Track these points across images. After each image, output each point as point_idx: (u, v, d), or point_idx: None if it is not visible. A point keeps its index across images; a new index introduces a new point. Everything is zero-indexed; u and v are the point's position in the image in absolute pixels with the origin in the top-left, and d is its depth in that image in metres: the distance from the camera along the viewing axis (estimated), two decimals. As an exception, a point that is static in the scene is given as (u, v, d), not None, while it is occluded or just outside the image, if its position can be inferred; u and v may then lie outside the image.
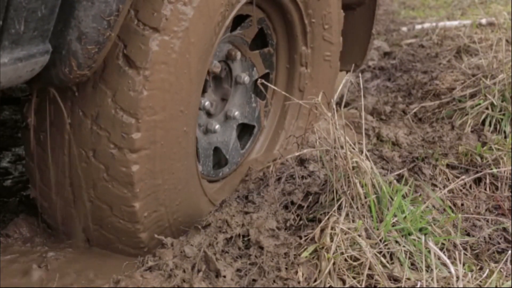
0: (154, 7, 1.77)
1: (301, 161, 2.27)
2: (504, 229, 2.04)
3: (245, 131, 2.56)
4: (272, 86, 2.23)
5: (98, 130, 1.83)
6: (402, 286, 1.67)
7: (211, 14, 1.91)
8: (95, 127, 1.84)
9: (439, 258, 1.72)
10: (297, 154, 2.17)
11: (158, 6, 1.77)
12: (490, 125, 2.80)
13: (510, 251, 1.89)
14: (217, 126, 2.29)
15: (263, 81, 2.11)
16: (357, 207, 1.83)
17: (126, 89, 1.78)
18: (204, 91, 2.22)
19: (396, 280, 1.69)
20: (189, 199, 2.06)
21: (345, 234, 1.74)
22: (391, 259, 1.75)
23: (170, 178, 1.95)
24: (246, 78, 2.37)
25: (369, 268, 1.69)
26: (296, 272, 1.69)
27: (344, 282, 1.69)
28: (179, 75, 1.85)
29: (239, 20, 2.26)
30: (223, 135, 2.40)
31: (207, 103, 2.23)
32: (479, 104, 2.87)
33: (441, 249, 1.82)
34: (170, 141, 1.90)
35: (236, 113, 2.39)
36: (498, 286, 1.70)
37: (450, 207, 2.08)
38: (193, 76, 1.91)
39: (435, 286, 1.63)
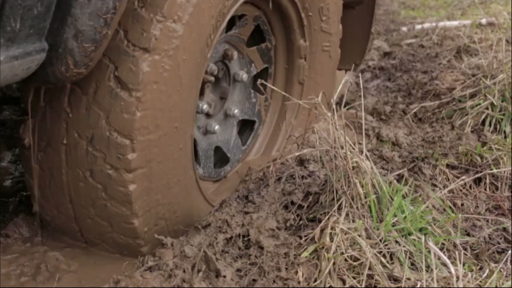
0: (143, 27, 1.76)
1: (301, 161, 2.26)
2: (504, 229, 2.04)
3: (246, 126, 2.55)
4: (271, 86, 2.23)
5: (94, 151, 1.84)
6: (402, 286, 1.66)
7: (202, 28, 1.90)
8: (91, 149, 1.84)
9: (439, 258, 1.71)
10: (297, 154, 2.17)
11: (147, 26, 1.76)
12: (490, 125, 2.80)
13: (510, 251, 1.89)
14: (216, 127, 2.29)
15: (262, 81, 2.11)
16: (357, 207, 1.83)
17: (119, 111, 1.78)
18: (201, 93, 2.22)
19: (396, 280, 1.69)
20: (189, 209, 2.07)
21: (345, 234, 1.74)
22: (391, 259, 1.75)
23: (169, 192, 1.96)
24: (244, 76, 2.37)
25: (369, 268, 1.69)
26: (296, 272, 1.69)
27: (344, 282, 1.68)
28: (171, 92, 1.85)
29: (234, 20, 2.25)
30: (224, 133, 2.40)
31: (205, 106, 2.22)
32: (479, 104, 2.87)
33: (441, 249, 1.82)
34: (166, 157, 1.91)
35: (236, 111, 2.39)
36: (498, 286, 1.70)
37: (450, 207, 2.08)
38: (186, 91, 1.91)
39: (435, 286, 1.63)
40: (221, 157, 2.43)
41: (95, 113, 1.81)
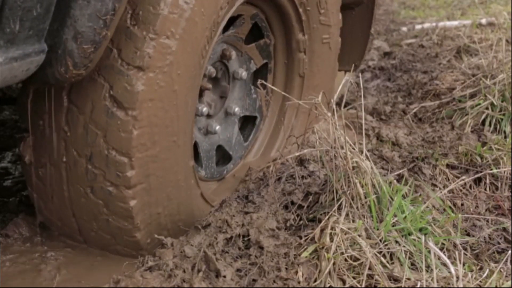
0: (136, 45, 1.75)
1: (301, 161, 2.26)
2: (504, 229, 2.04)
3: (248, 121, 2.54)
4: (271, 86, 2.22)
5: (93, 169, 1.85)
6: (402, 286, 1.66)
7: (196, 41, 1.88)
8: (90, 166, 1.85)
9: (439, 258, 1.71)
10: (297, 154, 2.17)
11: (140, 44, 1.75)
12: (490, 125, 2.80)
13: (510, 251, 1.89)
14: (217, 127, 2.29)
15: (262, 81, 2.11)
16: (357, 207, 1.83)
17: (116, 130, 1.79)
18: (201, 94, 2.22)
19: (396, 280, 1.69)
20: (192, 215, 2.07)
21: (345, 234, 1.74)
22: (391, 259, 1.75)
23: (170, 204, 1.96)
24: (243, 74, 2.36)
25: (369, 268, 1.69)
26: (296, 272, 1.69)
27: (344, 282, 1.68)
28: (167, 108, 1.85)
29: (231, 19, 2.24)
30: (225, 132, 2.39)
31: (204, 109, 2.22)
32: (479, 104, 2.87)
33: (441, 249, 1.82)
34: (165, 171, 1.91)
35: (236, 109, 2.39)
36: (498, 286, 1.70)
37: (450, 207, 2.08)
38: (183, 105, 1.91)
39: (435, 286, 1.63)
40: (223, 155, 2.43)
41: (93, 132, 1.82)
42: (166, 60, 1.80)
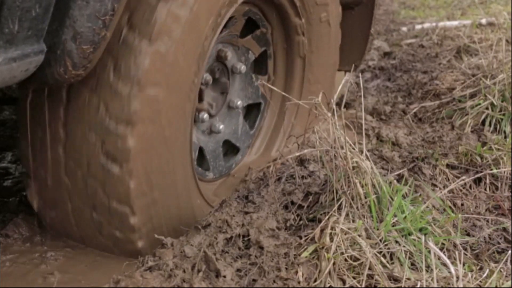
0: (122, 100, 1.76)
1: (301, 161, 2.26)
2: (504, 229, 2.04)
3: (252, 108, 2.52)
4: (271, 86, 2.22)
5: (98, 217, 1.91)
6: (402, 286, 1.66)
7: (182, 82, 1.87)
8: (95, 215, 1.91)
9: (439, 258, 1.71)
10: (297, 154, 2.17)
11: (126, 99, 1.76)
12: (490, 125, 2.80)
13: (510, 251, 1.89)
14: (221, 127, 2.28)
15: (263, 82, 2.10)
16: (357, 207, 1.83)
17: (113, 183, 1.84)
18: (200, 99, 2.21)
19: (396, 280, 1.69)
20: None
21: (345, 234, 1.74)
22: (391, 259, 1.75)
23: (177, 235, 1.97)
24: (242, 67, 2.33)
25: (369, 268, 1.69)
26: (296, 272, 1.69)
27: (344, 282, 1.68)
28: (161, 153, 1.87)
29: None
30: (229, 126, 2.38)
31: (205, 115, 2.22)
32: (479, 104, 2.86)
33: (441, 249, 1.82)
34: (167, 209, 1.95)
35: (239, 102, 2.36)
36: (498, 286, 1.70)
37: (450, 207, 2.08)
38: (176, 145, 1.92)
39: (435, 286, 1.63)
40: (230, 147, 2.42)
41: (92, 185, 1.86)
42: (153, 110, 1.80)
